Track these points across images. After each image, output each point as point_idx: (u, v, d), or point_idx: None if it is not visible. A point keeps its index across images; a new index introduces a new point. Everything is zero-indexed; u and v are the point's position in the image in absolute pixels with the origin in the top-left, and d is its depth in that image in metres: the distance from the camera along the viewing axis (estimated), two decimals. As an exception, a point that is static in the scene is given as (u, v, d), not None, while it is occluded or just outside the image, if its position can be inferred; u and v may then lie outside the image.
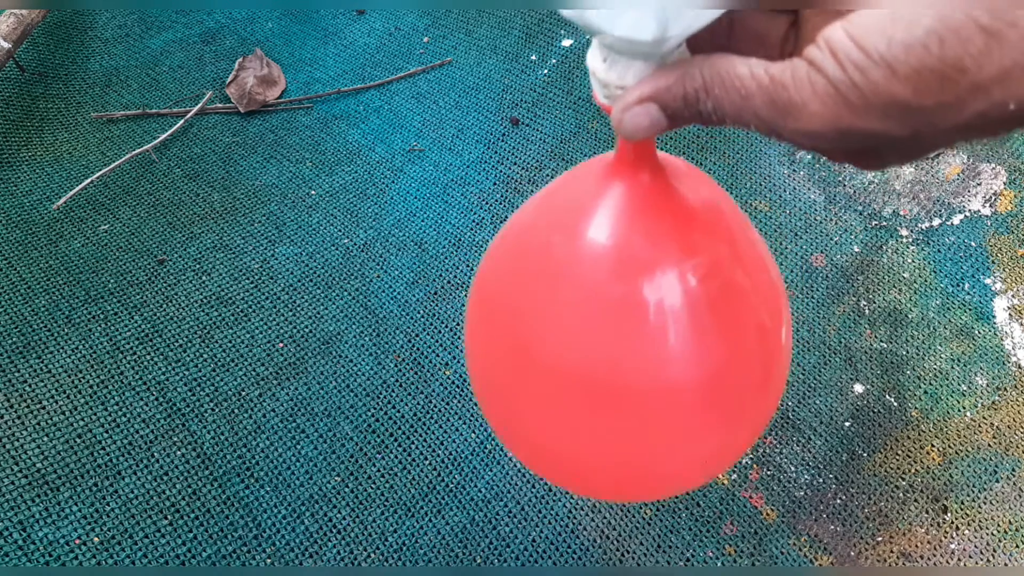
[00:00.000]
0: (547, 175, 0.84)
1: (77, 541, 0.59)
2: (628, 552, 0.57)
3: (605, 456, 0.43)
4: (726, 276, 0.37)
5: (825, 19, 0.30)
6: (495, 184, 0.84)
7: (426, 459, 0.64)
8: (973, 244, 0.73)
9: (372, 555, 0.59)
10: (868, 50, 0.25)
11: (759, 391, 0.43)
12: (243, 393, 0.68)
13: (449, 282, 0.76)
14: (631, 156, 0.36)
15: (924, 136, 0.26)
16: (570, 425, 0.42)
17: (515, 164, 0.86)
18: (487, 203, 0.82)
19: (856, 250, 0.74)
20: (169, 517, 0.61)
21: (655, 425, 0.41)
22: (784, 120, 0.27)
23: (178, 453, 0.65)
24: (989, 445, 0.61)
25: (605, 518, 0.59)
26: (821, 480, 0.60)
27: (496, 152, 0.87)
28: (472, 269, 0.77)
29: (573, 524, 0.59)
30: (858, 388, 0.65)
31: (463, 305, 0.74)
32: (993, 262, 0.72)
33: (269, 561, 0.59)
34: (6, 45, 0.92)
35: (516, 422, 0.44)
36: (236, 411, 0.67)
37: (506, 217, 0.79)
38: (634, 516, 0.59)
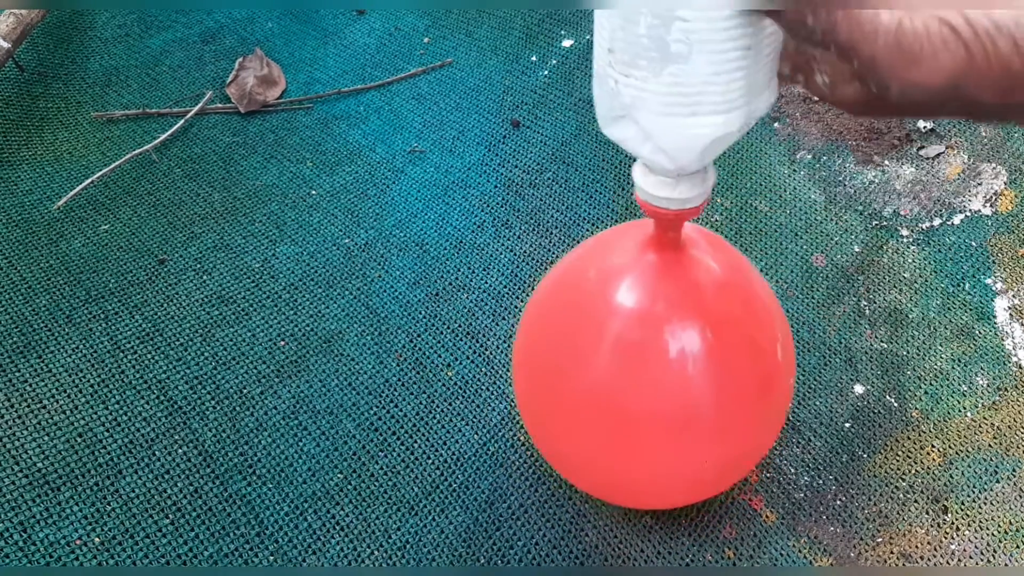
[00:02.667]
0: (548, 178, 0.84)
1: (78, 541, 0.59)
2: (628, 559, 0.57)
3: (623, 467, 0.50)
4: (731, 331, 0.47)
5: None
6: (496, 187, 0.84)
7: (429, 458, 0.64)
8: (974, 244, 0.73)
9: (376, 552, 0.59)
10: (1000, 24, 0.28)
11: (754, 425, 0.51)
12: (244, 391, 0.68)
13: (451, 284, 0.76)
14: (663, 236, 0.45)
15: (1012, 107, 0.29)
16: (594, 439, 0.49)
17: (516, 167, 0.86)
18: (488, 206, 0.82)
19: (856, 250, 0.74)
20: (170, 516, 0.61)
21: (664, 443, 0.49)
22: (906, 67, 0.30)
23: (179, 451, 0.65)
24: (990, 445, 0.61)
25: (607, 524, 0.59)
26: (821, 481, 0.60)
27: (497, 155, 0.87)
28: (474, 272, 0.77)
29: (576, 530, 0.59)
30: (858, 389, 0.65)
31: (465, 308, 0.74)
32: (994, 262, 0.72)
33: (272, 559, 0.59)
34: (6, 45, 0.91)
35: (551, 433, 0.54)
36: (237, 408, 0.67)
37: (507, 221, 0.80)
38: (635, 524, 0.59)
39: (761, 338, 0.49)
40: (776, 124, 0.85)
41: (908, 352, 0.67)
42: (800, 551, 0.57)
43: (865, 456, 0.62)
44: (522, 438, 0.64)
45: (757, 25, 0.32)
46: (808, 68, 0.34)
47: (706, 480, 0.52)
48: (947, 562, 0.56)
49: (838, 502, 0.59)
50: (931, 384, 0.65)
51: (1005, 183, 0.77)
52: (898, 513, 0.59)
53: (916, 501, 0.59)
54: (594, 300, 0.47)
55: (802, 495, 0.60)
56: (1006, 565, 0.56)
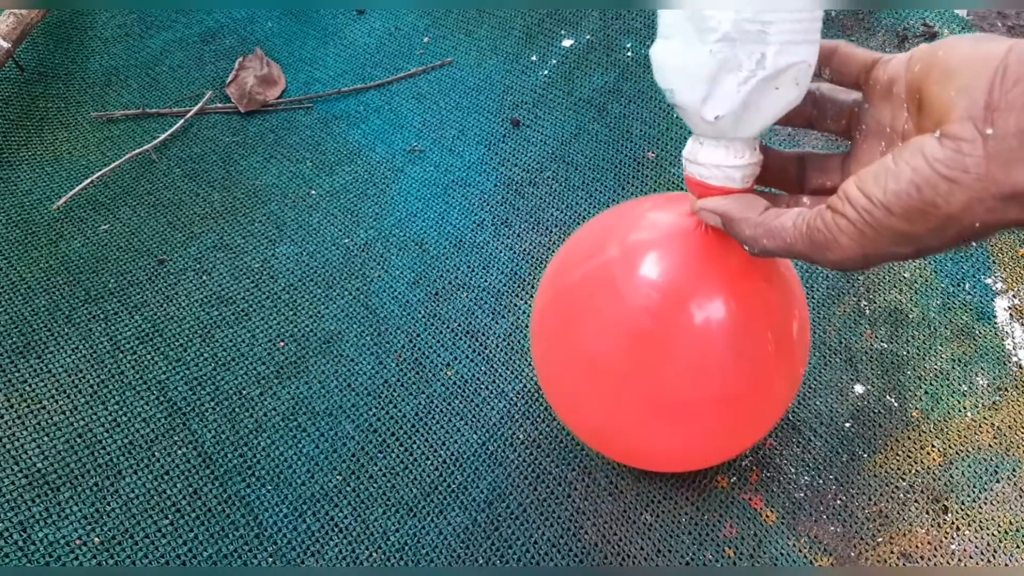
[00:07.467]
0: (548, 177, 0.84)
1: (78, 542, 0.59)
2: (628, 556, 0.57)
3: (644, 437, 0.51)
4: (751, 309, 0.47)
5: (870, 149, 0.40)
6: (496, 186, 0.84)
7: (428, 459, 0.64)
8: (974, 244, 0.73)
9: (374, 554, 0.59)
10: (871, 198, 0.33)
11: (768, 401, 0.51)
12: (244, 392, 0.68)
13: (451, 283, 0.76)
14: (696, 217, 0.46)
15: (924, 250, 0.34)
16: (618, 412, 0.50)
17: (516, 166, 0.86)
18: (488, 205, 0.82)
19: (857, 251, 0.74)
20: (170, 516, 0.61)
21: (685, 414, 0.49)
22: (823, 254, 0.36)
23: (179, 452, 0.65)
24: (990, 445, 0.61)
25: (606, 523, 0.59)
26: (821, 481, 0.60)
27: (497, 154, 0.87)
28: (473, 271, 0.77)
29: (575, 528, 0.59)
30: (858, 389, 0.65)
31: (465, 307, 0.74)
32: (994, 262, 0.72)
33: (271, 560, 0.59)
34: (6, 45, 0.91)
35: (575, 407, 0.54)
36: (237, 410, 0.67)
37: (507, 219, 0.79)
38: (635, 521, 0.59)
39: (779, 308, 0.49)
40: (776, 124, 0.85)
41: (908, 352, 0.67)
42: (800, 551, 0.57)
43: (865, 456, 0.62)
44: (521, 436, 0.64)
45: None
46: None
47: (711, 450, 0.54)
48: (947, 562, 0.56)
49: (838, 502, 0.59)
50: (931, 384, 0.65)
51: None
52: (898, 513, 0.58)
53: (916, 501, 0.59)
54: (622, 273, 0.48)
55: (802, 495, 0.60)
56: (1006, 565, 0.56)
